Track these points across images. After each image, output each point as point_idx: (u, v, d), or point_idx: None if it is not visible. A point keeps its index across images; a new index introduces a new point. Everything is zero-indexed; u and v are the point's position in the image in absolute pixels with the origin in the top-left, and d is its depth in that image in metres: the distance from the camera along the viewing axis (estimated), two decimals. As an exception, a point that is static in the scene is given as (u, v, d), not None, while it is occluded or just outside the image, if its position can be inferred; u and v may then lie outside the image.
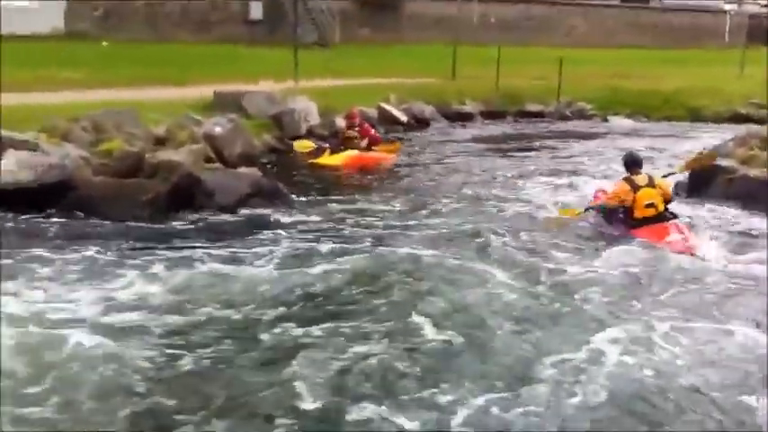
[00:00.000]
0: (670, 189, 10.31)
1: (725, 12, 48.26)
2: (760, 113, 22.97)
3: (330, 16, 31.79)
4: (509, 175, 14.31)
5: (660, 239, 9.34)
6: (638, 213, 9.72)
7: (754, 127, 17.85)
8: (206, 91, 16.87)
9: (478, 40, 30.86)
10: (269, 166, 13.85)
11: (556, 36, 39.60)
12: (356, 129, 14.99)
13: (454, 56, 24.54)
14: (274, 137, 15.45)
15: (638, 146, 15.75)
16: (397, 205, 11.54)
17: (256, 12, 31.49)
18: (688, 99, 23.74)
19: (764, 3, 67.42)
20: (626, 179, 9.96)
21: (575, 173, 14.44)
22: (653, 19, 46.02)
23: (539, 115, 22.15)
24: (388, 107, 18.99)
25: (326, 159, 14.45)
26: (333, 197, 12.01)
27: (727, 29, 46.16)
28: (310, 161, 14.39)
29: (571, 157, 16.58)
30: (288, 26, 26.29)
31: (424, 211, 11.17)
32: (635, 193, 9.74)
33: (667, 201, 9.95)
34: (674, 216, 9.93)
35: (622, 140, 18.62)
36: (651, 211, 9.70)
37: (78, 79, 18.06)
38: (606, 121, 22.38)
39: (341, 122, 16.28)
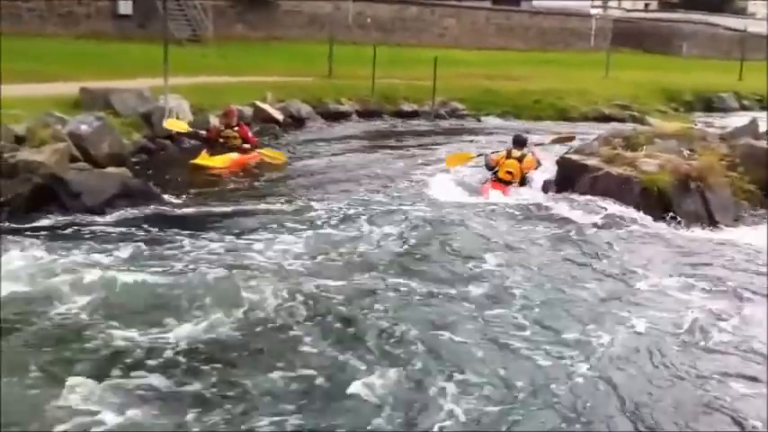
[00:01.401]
0: (533, 165, 13.41)
1: (591, 16, 50.27)
2: (623, 114, 24.07)
3: (203, 12, 31.11)
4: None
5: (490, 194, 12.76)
6: (500, 174, 13.26)
7: (617, 126, 18.74)
8: (72, 88, 16.17)
9: (354, 39, 30.99)
10: (138, 167, 13.36)
11: (430, 37, 40.26)
12: (234, 128, 14.70)
13: (330, 54, 24.51)
14: (144, 136, 14.94)
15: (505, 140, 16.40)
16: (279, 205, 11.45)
17: (126, 7, 30.46)
18: (556, 100, 24.54)
19: (628, 8, 70.78)
20: (506, 150, 13.54)
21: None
22: (523, 22, 47.44)
23: (414, 115, 22.37)
24: (263, 105, 18.74)
25: (209, 161, 14.07)
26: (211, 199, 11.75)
27: (593, 32, 48.08)
28: (191, 162, 13.98)
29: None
30: (158, 21, 25.53)
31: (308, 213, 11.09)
32: (505, 160, 13.27)
33: (528, 170, 13.32)
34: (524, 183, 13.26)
35: (492, 137, 19.14)
36: (508, 177, 13.20)
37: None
38: (479, 120, 22.84)
39: (215, 121, 15.94)
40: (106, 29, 29.63)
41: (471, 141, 18.84)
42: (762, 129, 14.85)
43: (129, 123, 14.96)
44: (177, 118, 15.62)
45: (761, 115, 23.05)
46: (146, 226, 9.90)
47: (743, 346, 7.09)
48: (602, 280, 8.72)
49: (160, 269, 8.07)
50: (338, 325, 6.99)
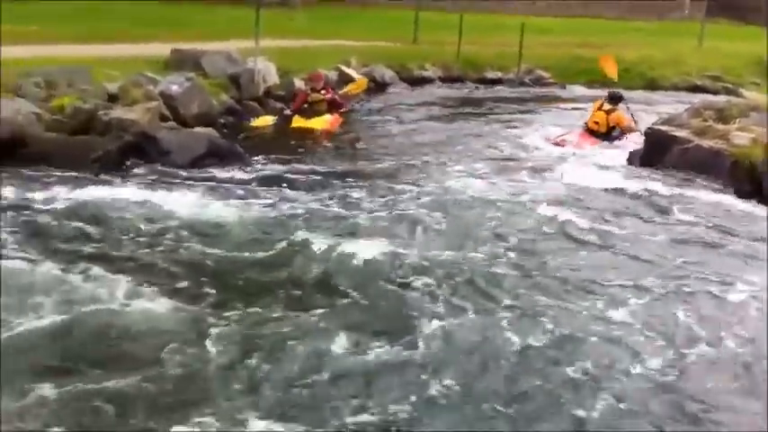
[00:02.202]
0: (621, 121, 14.50)
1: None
2: (715, 86, 23.29)
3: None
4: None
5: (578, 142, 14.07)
6: (589, 124, 14.56)
7: (708, 97, 18.18)
8: (164, 49, 16.55)
9: (441, 7, 30.68)
10: (225, 129, 13.63)
11: (517, 4, 39.48)
12: (321, 92, 14.78)
13: (416, 21, 24.39)
14: (232, 97, 15.20)
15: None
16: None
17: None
18: (647, 70, 23.90)
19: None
20: (599, 102, 14.82)
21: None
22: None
23: (498, 82, 22.14)
24: (348, 70, 18.82)
25: (307, 123, 14.15)
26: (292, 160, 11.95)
27: (688, 1, 46.41)
28: (292, 126, 14.12)
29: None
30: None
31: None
32: (596, 111, 14.57)
33: (616, 126, 14.42)
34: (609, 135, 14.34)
35: (579, 104, 18.87)
36: (595, 127, 14.44)
37: (31, 33, 17.61)
38: (564, 88, 22.47)
39: (300, 84, 16.11)
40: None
41: (555, 110, 18.77)
42: None
43: (218, 85, 15.26)
44: (262, 83, 15.79)
45: None
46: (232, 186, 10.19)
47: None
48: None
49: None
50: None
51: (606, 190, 11.15)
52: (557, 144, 14.10)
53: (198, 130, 12.08)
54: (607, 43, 27.74)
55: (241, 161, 11.31)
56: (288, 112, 14.85)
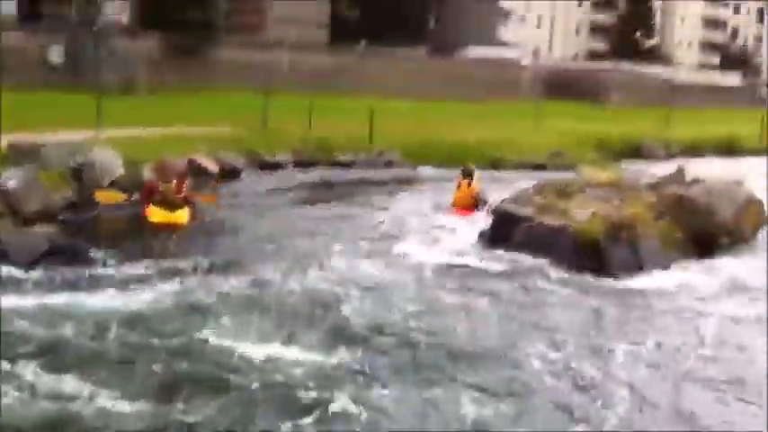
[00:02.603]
0: (480, 194, 16.14)
1: (523, 66, 51.49)
2: (556, 163, 24.50)
3: (135, 62, 30.86)
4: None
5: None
6: (456, 200, 16.20)
7: (549, 175, 19.10)
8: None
9: (290, 90, 31.00)
10: (65, 223, 12.98)
11: (366, 87, 40.55)
12: (172, 182, 14.25)
13: (264, 105, 24.45)
14: (73, 191, 14.55)
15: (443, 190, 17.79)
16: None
17: (57, 55, 30.04)
18: (490, 149, 24.86)
19: (559, 58, 72.66)
20: (459, 179, 16.52)
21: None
22: (457, 71, 48.26)
23: (350, 165, 22.39)
24: (198, 158, 18.53)
25: (170, 217, 13.60)
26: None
27: (524, 82, 49.19)
28: (151, 221, 13.49)
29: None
30: (90, 72, 25.24)
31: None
32: (461, 187, 16.33)
33: (477, 198, 16.02)
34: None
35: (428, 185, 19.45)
36: (463, 201, 16.04)
37: None
38: (414, 169, 23.01)
39: (148, 174, 15.66)
40: (36, 79, 29.07)
41: (411, 190, 19.44)
42: (688, 177, 15.23)
43: (59, 178, 14.59)
44: (106, 175, 15.22)
45: (687, 162, 23.93)
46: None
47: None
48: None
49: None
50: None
51: (450, 267, 11.71)
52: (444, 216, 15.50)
53: (38, 226, 11.48)
54: (455, 125, 28.83)
55: (84, 259, 10.77)
56: (135, 197, 14.38)
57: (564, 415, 6.93)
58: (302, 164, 21.59)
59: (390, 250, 12.56)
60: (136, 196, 14.41)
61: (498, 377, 7.59)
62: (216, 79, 35.09)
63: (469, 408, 6.84)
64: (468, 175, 16.49)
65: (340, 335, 8.42)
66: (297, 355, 7.77)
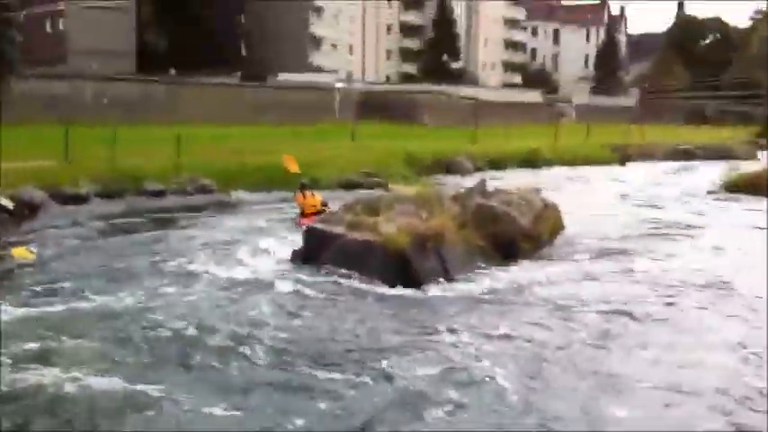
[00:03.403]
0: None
1: (336, 89, 52.20)
2: (369, 181, 24.96)
3: None
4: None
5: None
6: (307, 209, 17.38)
7: (361, 192, 19.46)
8: None
9: (96, 120, 29.81)
10: None
11: (176, 115, 39.67)
12: None
13: (66, 137, 23.31)
14: None
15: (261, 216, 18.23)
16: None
17: None
18: (305, 170, 24.90)
19: (372, 80, 74.28)
20: (303, 193, 17.67)
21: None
22: (270, 97, 48.27)
23: (160, 194, 21.72)
24: (-7, 195, 17.35)
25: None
26: None
27: (338, 105, 49.87)
28: None
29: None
30: None
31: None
32: (307, 199, 17.54)
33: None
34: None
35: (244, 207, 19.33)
36: (313, 209, 17.22)
37: None
38: (229, 195, 22.68)
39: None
40: None
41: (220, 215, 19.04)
42: (489, 188, 15.92)
43: None
44: None
45: (493, 174, 25.08)
46: None
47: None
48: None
49: None
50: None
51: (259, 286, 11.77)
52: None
53: None
54: (271, 149, 28.66)
55: None
56: None
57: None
58: (108, 195, 20.70)
59: (196, 270, 12.56)
60: None
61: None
62: (15, 112, 33.15)
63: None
64: (305, 188, 17.93)
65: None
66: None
